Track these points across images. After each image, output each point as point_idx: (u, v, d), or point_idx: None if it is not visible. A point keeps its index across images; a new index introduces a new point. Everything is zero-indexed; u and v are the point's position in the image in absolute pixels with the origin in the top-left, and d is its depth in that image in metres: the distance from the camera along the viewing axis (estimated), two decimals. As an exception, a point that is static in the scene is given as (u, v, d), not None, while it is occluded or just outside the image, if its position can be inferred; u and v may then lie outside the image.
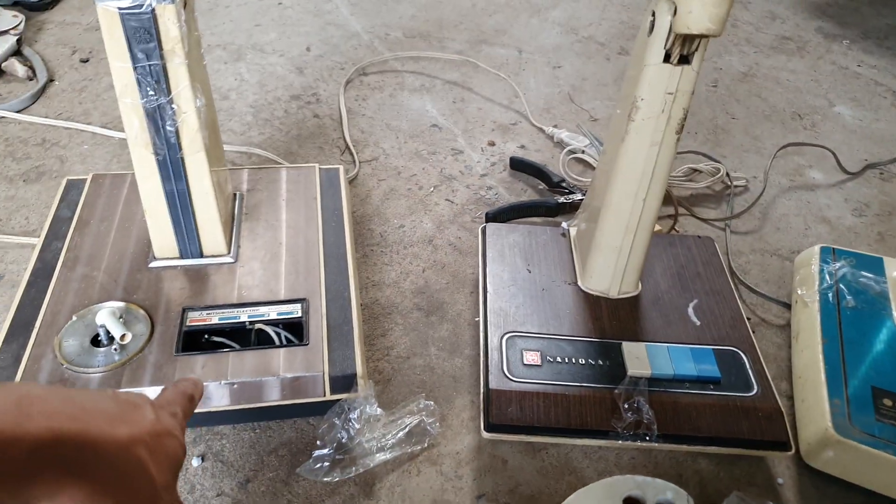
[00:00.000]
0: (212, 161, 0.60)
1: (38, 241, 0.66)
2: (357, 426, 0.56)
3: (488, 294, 0.67)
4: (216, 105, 1.01)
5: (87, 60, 1.08)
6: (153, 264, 0.63)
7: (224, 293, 0.61)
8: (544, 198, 0.87)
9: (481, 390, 0.60)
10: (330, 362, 0.56)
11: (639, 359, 0.61)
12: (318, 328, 0.59)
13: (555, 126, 1.01)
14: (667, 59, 0.55)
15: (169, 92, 0.55)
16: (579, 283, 0.69)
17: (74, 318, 0.58)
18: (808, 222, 0.89)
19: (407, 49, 1.17)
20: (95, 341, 0.56)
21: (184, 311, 0.59)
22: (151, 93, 0.54)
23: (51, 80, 1.03)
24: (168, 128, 0.55)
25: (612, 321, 0.66)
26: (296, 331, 0.59)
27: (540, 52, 1.19)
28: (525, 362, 0.61)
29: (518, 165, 0.93)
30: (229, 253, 0.65)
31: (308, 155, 0.93)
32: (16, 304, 0.59)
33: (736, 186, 0.92)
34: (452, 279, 0.77)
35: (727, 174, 0.91)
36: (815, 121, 1.08)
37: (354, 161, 0.92)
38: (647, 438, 0.57)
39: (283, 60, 1.12)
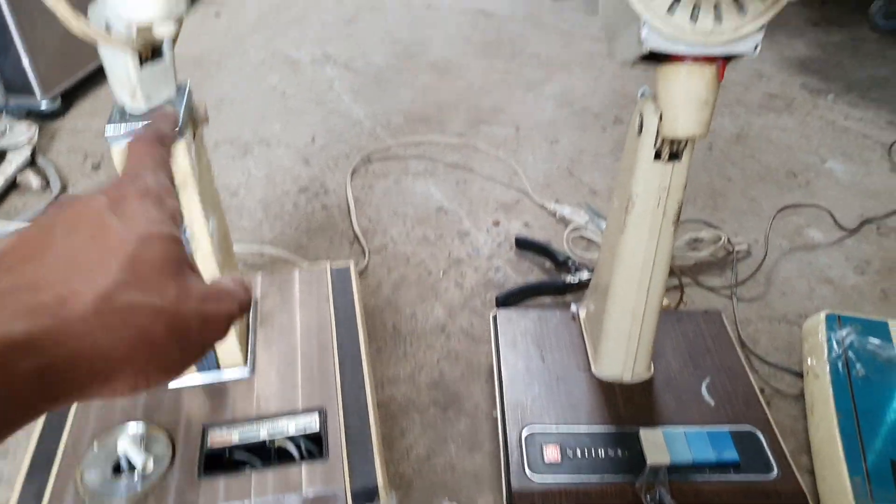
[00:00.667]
0: (225, 273, 0.62)
1: None
2: None
3: (504, 386, 0.68)
4: (225, 202, 1.04)
5: (99, 167, 1.13)
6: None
7: (243, 407, 0.63)
8: (552, 277, 0.89)
9: (504, 491, 0.60)
10: (351, 475, 0.57)
11: (657, 446, 0.62)
12: (337, 439, 0.60)
13: (556, 201, 1.03)
14: (657, 156, 0.57)
15: (181, 221, 0.58)
16: (593, 369, 0.70)
17: (95, 445, 0.59)
18: (811, 284, 0.90)
19: (408, 133, 1.21)
20: (118, 467, 0.57)
21: (204, 429, 0.60)
22: None
23: (64, 189, 1.07)
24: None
25: (627, 407, 0.67)
26: (315, 442, 0.60)
27: (537, 128, 1.23)
28: (545, 460, 0.61)
29: (523, 244, 0.95)
30: (246, 364, 0.67)
31: (318, 248, 0.96)
32: (37, 434, 0.61)
33: (738, 252, 0.94)
34: (467, 368, 0.78)
35: (728, 241, 0.93)
36: (808, 178, 1.10)
37: (364, 251, 0.95)
38: (673, 531, 0.57)
39: (290, 152, 1.16)
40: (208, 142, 1.18)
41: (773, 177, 1.11)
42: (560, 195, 1.07)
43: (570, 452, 0.62)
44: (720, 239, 0.93)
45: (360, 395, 0.65)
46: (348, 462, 0.58)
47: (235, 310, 0.28)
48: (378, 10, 1.70)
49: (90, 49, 0.53)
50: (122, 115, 0.54)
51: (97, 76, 1.32)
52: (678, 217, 0.61)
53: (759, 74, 1.42)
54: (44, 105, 1.23)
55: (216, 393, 0.64)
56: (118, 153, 0.54)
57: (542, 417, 0.65)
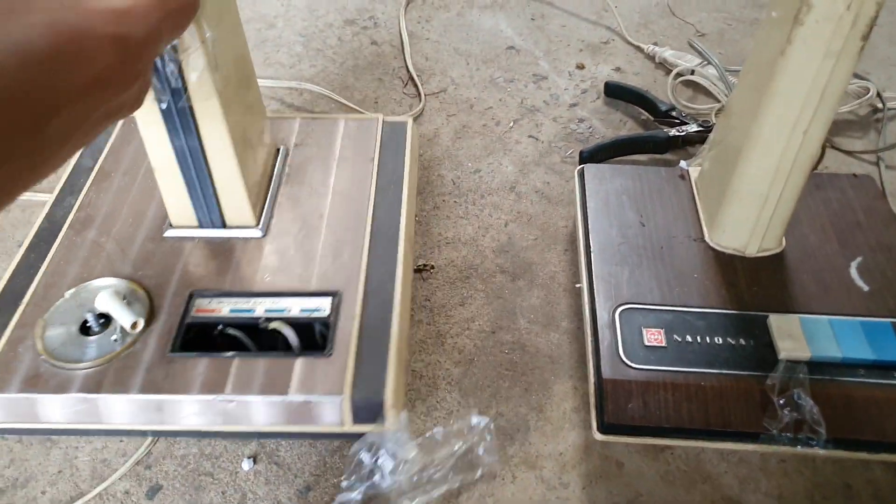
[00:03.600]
0: (233, 109, 0.48)
1: (51, 196, 0.57)
2: (391, 463, 0.44)
3: (592, 255, 0.54)
4: (262, 34, 0.89)
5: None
6: (168, 233, 0.52)
7: (244, 276, 0.50)
8: (651, 131, 0.72)
9: (591, 380, 0.48)
10: (355, 382, 0.44)
11: (792, 337, 0.48)
12: (347, 334, 0.46)
13: (655, 43, 0.84)
14: (864, -72, 0.39)
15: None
16: (707, 237, 0.55)
17: (67, 295, 0.48)
18: (984, 153, 0.71)
19: (474, -40, 1.00)
20: (85, 328, 0.46)
21: (191, 295, 0.48)
22: None
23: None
24: (168, 68, 0.43)
25: (751, 287, 0.52)
26: (321, 333, 0.47)
27: (632, -44, 1.01)
28: (646, 343, 0.48)
29: (615, 92, 0.78)
30: (258, 224, 0.53)
31: (366, 88, 0.81)
32: (10, 271, 0.50)
33: (889, 110, 0.75)
34: (541, 234, 0.64)
35: (878, 95, 0.74)
36: (983, 25, 0.87)
37: (419, 94, 0.79)
38: (813, 443, 0.44)
39: (334, -21, 0.98)
40: (240, -37, 1.00)
41: (934, 21, 0.88)
42: (659, 37, 0.87)
43: (677, 337, 0.49)
44: (868, 92, 0.74)
45: (387, 283, 0.50)
46: (355, 364, 0.45)
47: None
48: None
49: None
50: None
51: None
52: (870, 31, 0.43)
53: None
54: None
55: (216, 255, 0.52)
56: None
57: (641, 293, 0.52)
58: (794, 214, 0.56)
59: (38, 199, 0.67)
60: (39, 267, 0.50)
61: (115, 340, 0.46)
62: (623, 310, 0.50)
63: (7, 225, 0.65)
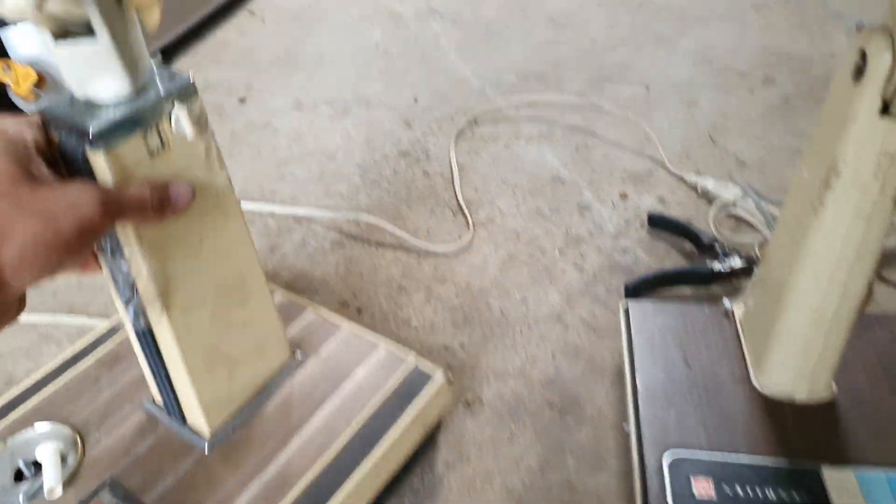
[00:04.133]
0: (198, 330, 0.45)
1: (106, 322, 0.60)
2: None
3: (640, 397, 0.55)
4: (322, 166, 0.96)
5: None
6: (146, 406, 0.53)
7: (163, 487, 0.47)
8: (694, 264, 0.74)
9: (640, 531, 0.48)
10: None
11: (849, 493, 0.47)
12: None
13: (697, 173, 0.88)
14: (885, 110, 0.42)
15: (118, 246, 0.41)
16: (753, 381, 0.56)
17: (33, 428, 0.50)
18: None
19: (521, 92, 1.08)
20: (20, 473, 0.48)
21: (102, 485, 0.47)
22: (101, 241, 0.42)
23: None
24: (122, 285, 0.43)
25: (801, 435, 0.52)
26: None
27: (671, 88, 1.06)
28: (696, 495, 0.48)
29: (658, 223, 0.80)
30: (210, 437, 0.49)
31: (418, 219, 0.86)
32: (23, 386, 0.54)
33: (936, 242, 0.75)
34: (588, 366, 0.66)
35: (924, 227, 0.74)
36: None
37: (468, 224, 0.84)
38: None
39: (391, 114, 1.07)
40: (308, 102, 1.10)
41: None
42: (701, 166, 0.91)
43: (727, 489, 0.49)
44: (913, 224, 0.74)
45: None
46: None
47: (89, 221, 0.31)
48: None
49: None
50: None
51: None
52: (900, 193, 0.45)
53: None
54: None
55: (165, 450, 0.49)
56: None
57: (689, 439, 0.52)
58: (843, 358, 0.57)
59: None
60: (43, 387, 0.53)
61: (24, 495, 0.46)
62: (671, 459, 0.51)
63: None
